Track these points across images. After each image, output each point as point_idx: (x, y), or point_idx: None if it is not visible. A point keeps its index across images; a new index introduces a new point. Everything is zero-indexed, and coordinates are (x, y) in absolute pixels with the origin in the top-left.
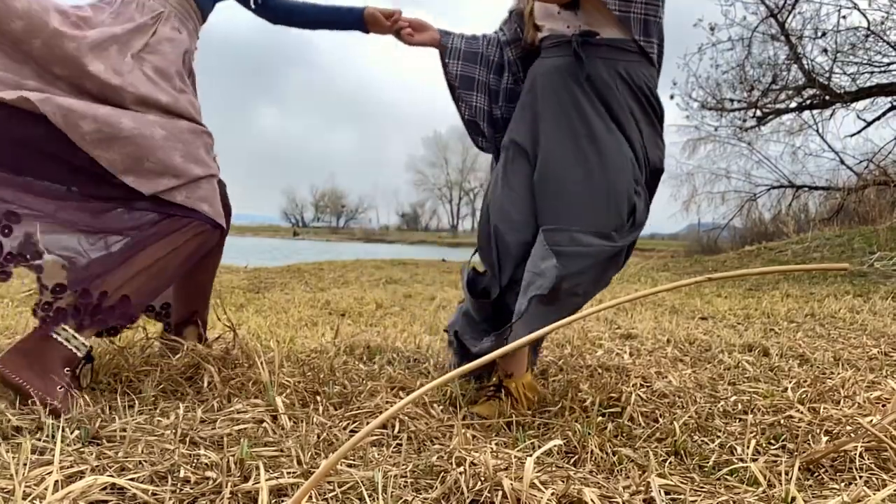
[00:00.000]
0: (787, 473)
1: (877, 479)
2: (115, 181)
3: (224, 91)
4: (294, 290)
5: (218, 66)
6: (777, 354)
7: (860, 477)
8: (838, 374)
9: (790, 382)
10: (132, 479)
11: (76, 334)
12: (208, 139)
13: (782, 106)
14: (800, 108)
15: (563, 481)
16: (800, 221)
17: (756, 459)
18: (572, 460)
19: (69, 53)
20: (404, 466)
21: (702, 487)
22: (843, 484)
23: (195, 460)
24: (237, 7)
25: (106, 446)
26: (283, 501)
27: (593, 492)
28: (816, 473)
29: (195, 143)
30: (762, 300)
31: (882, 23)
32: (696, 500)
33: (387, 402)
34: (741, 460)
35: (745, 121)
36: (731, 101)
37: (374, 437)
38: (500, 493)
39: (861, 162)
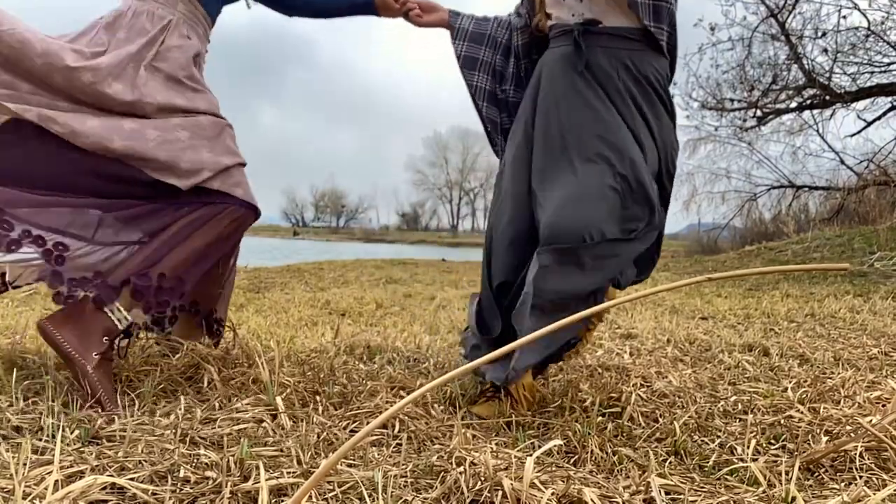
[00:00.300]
0: (787, 473)
1: (877, 479)
2: (158, 183)
3: (224, 91)
4: (294, 289)
5: (218, 66)
6: (777, 354)
7: (860, 477)
8: (838, 374)
9: (790, 382)
10: (132, 479)
11: (120, 307)
12: (230, 130)
13: (782, 106)
14: (800, 108)
15: (563, 481)
16: (800, 221)
17: (756, 459)
18: (572, 460)
19: (87, 84)
20: (404, 466)
21: (702, 487)
22: (843, 484)
23: (195, 460)
24: (237, 7)
25: (106, 446)
26: (283, 501)
27: (593, 492)
28: (816, 473)
29: (220, 136)
30: (762, 300)
31: (882, 23)
32: (696, 500)
33: (387, 402)
34: (741, 460)
35: (745, 121)
36: (732, 101)
37: (374, 437)
38: (500, 492)
39: (861, 162)
